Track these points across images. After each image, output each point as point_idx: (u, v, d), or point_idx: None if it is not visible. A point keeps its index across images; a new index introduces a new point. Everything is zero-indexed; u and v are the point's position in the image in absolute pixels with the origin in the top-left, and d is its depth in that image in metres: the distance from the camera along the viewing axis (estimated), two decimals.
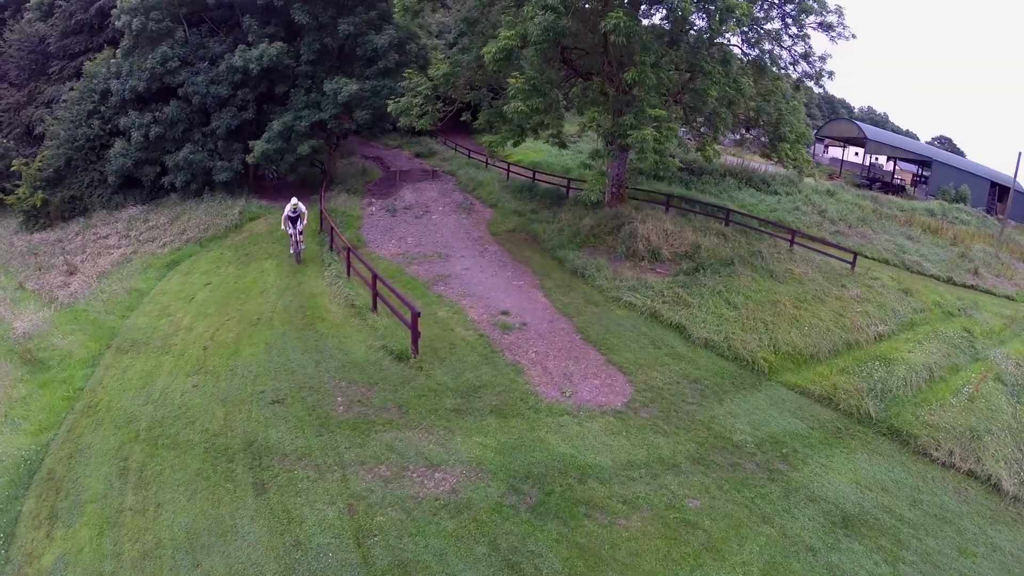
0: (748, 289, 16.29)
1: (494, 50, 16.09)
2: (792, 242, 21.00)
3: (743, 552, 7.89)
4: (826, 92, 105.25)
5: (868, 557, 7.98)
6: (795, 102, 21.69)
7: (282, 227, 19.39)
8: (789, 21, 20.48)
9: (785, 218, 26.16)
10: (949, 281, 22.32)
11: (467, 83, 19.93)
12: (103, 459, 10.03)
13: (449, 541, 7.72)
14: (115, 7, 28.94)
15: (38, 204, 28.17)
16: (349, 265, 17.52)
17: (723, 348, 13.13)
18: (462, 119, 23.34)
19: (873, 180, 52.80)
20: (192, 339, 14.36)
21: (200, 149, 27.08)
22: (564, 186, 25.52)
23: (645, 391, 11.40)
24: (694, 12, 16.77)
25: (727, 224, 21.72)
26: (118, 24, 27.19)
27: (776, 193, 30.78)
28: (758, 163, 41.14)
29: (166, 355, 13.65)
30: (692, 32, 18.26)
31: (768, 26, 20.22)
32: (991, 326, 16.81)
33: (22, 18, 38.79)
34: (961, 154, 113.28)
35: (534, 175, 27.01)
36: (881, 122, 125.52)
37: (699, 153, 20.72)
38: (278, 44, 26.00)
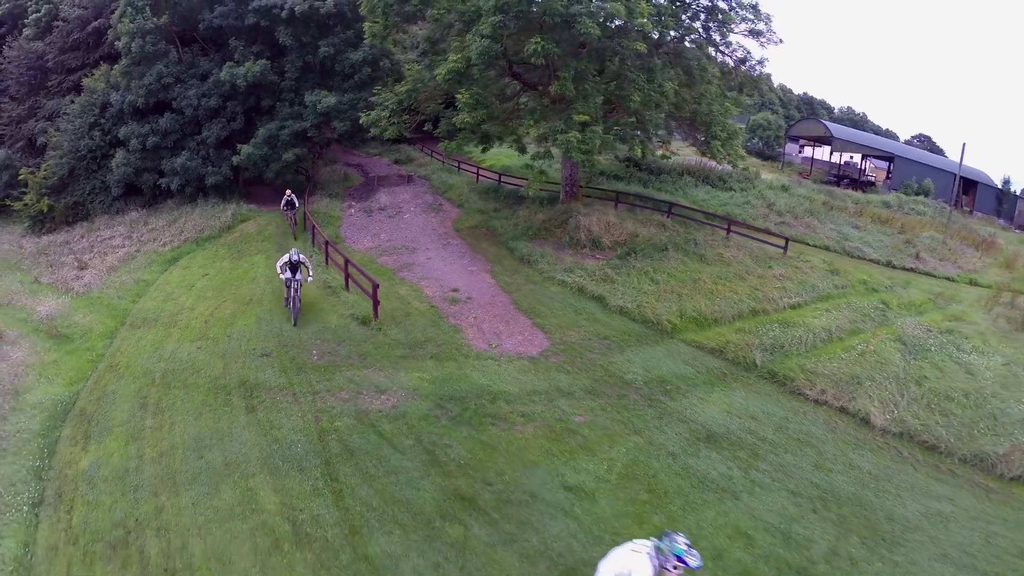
0: (674, 269, 19.38)
1: (444, 71, 19.35)
2: (728, 230, 24.05)
3: (612, 452, 10.91)
4: (806, 94, 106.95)
5: (723, 463, 10.78)
6: (728, 104, 24.86)
7: (278, 271, 16.75)
8: (712, 27, 23.74)
9: (734, 211, 29.15)
10: (888, 264, 24.64)
11: (428, 97, 23.12)
12: (126, 399, 13.12)
13: (385, 437, 10.86)
14: (110, 27, 32.32)
15: (44, 210, 31.29)
16: (327, 256, 20.69)
17: (635, 314, 16.21)
18: (436, 129, 26.60)
19: (841, 177, 55.74)
20: (194, 316, 17.50)
21: (194, 156, 30.26)
22: (521, 188, 28.75)
23: (559, 344, 14.52)
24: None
25: (669, 216, 24.85)
26: (118, 45, 30.44)
27: (731, 189, 33.80)
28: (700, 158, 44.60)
29: (173, 328, 16.80)
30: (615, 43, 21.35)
31: (694, 36, 23.53)
32: (913, 300, 19.34)
33: (19, 35, 42.05)
34: (941, 152, 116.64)
35: (500, 178, 30.24)
36: (860, 121, 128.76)
37: (633, 152, 23.88)
38: (262, 62, 29.23)
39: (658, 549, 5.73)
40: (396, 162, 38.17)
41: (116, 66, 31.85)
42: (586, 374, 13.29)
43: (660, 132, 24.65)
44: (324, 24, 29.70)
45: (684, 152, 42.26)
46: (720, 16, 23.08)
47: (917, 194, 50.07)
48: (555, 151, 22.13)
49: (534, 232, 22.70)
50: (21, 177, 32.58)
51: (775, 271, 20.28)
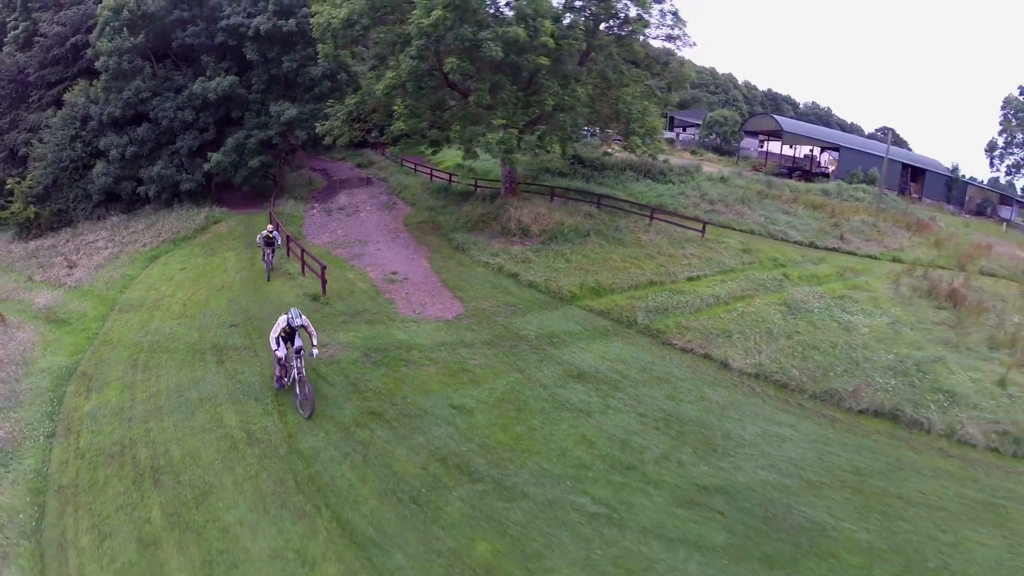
0: (590, 251, 23.02)
1: (382, 86, 23.11)
2: (651, 217, 27.52)
3: (494, 384, 14.48)
4: (770, 90, 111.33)
5: (586, 393, 14.32)
6: (648, 103, 28.51)
7: (272, 346, 16.44)
8: (625, 35, 27.40)
9: (667, 201, 32.45)
10: (811, 245, 27.45)
11: (374, 108, 26.72)
12: (119, 362, 16.68)
13: (322, 376, 14.50)
14: (88, 44, 35.84)
15: (31, 217, 34.66)
16: (289, 249, 24.26)
17: (542, 287, 19.88)
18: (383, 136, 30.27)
19: (794, 169, 59.54)
20: (174, 301, 21.09)
21: (169, 165, 33.78)
22: (473, 185, 32.43)
23: (472, 311, 18.21)
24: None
25: (598, 207, 28.45)
26: (97, 65, 33.91)
27: (670, 182, 37.39)
28: (674, 157, 48.33)
29: (156, 310, 20.38)
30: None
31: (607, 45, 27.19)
32: (819, 273, 22.13)
33: (1, 50, 45.37)
34: (905, 144, 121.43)
35: (450, 178, 33.89)
36: (824, 115, 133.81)
37: (553, 150, 27.66)
38: (231, 77, 32.86)
39: None
40: (358, 166, 41.80)
41: (96, 81, 35.34)
42: (488, 331, 16.94)
43: (583, 131, 28.15)
44: (287, 41, 33.27)
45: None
46: (631, 27, 26.82)
47: (862, 182, 54.06)
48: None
49: (472, 224, 26.37)
50: (8, 187, 35.96)
51: (687, 251, 23.84)
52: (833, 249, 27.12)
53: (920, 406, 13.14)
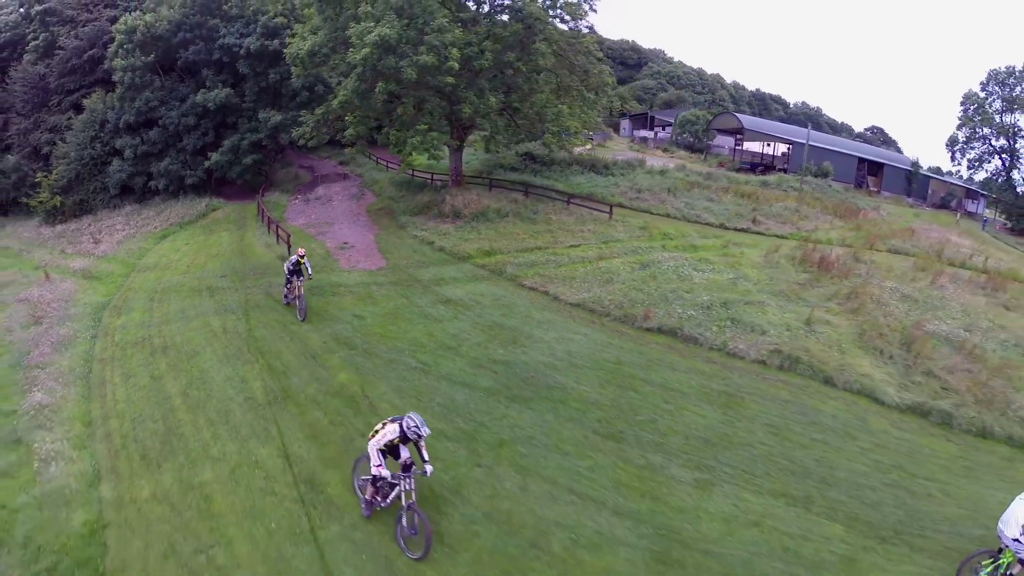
0: (501, 228, 30.70)
1: (337, 102, 31.38)
2: (568, 202, 35.00)
3: (386, 305, 21.92)
4: (759, 90, 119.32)
5: (445, 311, 21.16)
6: (562, 106, 35.52)
7: (285, 268, 21.70)
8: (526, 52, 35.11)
9: (598, 191, 39.50)
10: (720, 226, 33.61)
11: (337, 116, 34.76)
12: (140, 299, 24.87)
13: (276, 301, 22.55)
14: (103, 57, 44.60)
15: (57, 205, 43.33)
16: (269, 228, 32.49)
17: (449, 251, 27.56)
18: (376, 135, 38.08)
19: (756, 164, 66.31)
20: (180, 265, 29.33)
21: (175, 162, 42.31)
22: (429, 179, 40.50)
23: (391, 265, 26.15)
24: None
25: (526, 195, 36.22)
26: (114, 78, 42.59)
27: (612, 175, 44.72)
28: (630, 154, 56.03)
29: (166, 270, 28.66)
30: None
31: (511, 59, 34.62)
32: (699, 244, 28.55)
33: (21, 60, 54.28)
34: (893, 143, 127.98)
35: (412, 173, 42.00)
36: (814, 115, 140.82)
37: (476, 148, 35.50)
38: (227, 89, 41.37)
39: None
40: (341, 163, 50.19)
41: (112, 92, 44.08)
42: (396, 276, 24.81)
43: (501, 134, 35.58)
44: (273, 58, 41.64)
45: (615, 147, 54.05)
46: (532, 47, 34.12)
47: (815, 175, 61.09)
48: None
49: (418, 209, 34.39)
50: (37, 180, 44.69)
51: (586, 227, 31.14)
52: (743, 230, 33.48)
53: (703, 328, 19.47)
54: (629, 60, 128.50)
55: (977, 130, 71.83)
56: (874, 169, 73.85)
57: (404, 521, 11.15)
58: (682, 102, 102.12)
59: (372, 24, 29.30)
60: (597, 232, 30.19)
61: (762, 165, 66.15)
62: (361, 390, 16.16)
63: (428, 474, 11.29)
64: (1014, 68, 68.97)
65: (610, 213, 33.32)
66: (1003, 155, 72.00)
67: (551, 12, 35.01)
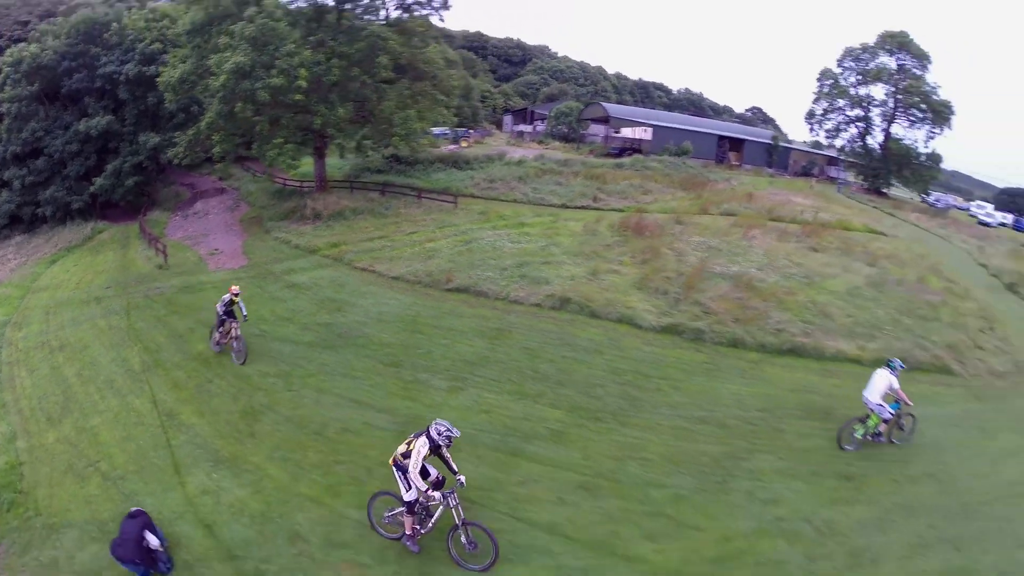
0: (353, 224, 36.66)
1: (205, 123, 36.96)
2: (419, 196, 41.20)
3: (245, 291, 28.30)
4: (641, 79, 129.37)
5: (290, 293, 26.62)
6: (410, 111, 41.30)
7: (217, 310, 21.67)
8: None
9: (455, 185, 44.89)
10: (563, 206, 39.10)
11: (207, 136, 40.23)
12: (37, 314, 30.08)
13: (155, 302, 28.25)
14: None
15: None
16: (150, 243, 37.85)
17: (304, 247, 33.29)
18: (248, 150, 43.34)
19: (624, 148, 73.18)
20: (70, 284, 34.46)
21: (60, 188, 46.95)
22: (299, 186, 46.34)
23: (252, 264, 31.99)
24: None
25: (383, 194, 42.31)
26: (1, 109, 46.93)
27: (471, 169, 50.81)
28: (504, 148, 62.48)
29: (58, 290, 33.78)
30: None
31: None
32: (528, 222, 34.13)
33: None
34: (772, 120, 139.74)
35: (284, 182, 47.64)
36: (697, 100, 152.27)
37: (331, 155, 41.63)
38: (108, 116, 46.29)
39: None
40: (220, 178, 55.25)
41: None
42: (255, 272, 30.52)
43: (356, 141, 41.57)
44: (151, 82, 46.38)
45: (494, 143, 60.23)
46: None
47: (675, 155, 68.47)
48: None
49: (284, 215, 40.17)
50: None
51: (430, 217, 37.33)
52: (582, 207, 39.16)
53: (494, 284, 25.31)
54: (514, 57, 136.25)
55: (834, 103, 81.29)
56: (736, 145, 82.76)
57: (463, 539, 11.69)
58: (564, 95, 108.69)
59: (229, 53, 35.05)
60: (438, 220, 36.43)
61: (629, 149, 72.08)
62: (214, 354, 22.15)
63: (464, 484, 11.70)
64: (868, 45, 78.55)
65: (455, 203, 39.47)
66: (858, 123, 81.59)
67: (392, 29, 41.21)
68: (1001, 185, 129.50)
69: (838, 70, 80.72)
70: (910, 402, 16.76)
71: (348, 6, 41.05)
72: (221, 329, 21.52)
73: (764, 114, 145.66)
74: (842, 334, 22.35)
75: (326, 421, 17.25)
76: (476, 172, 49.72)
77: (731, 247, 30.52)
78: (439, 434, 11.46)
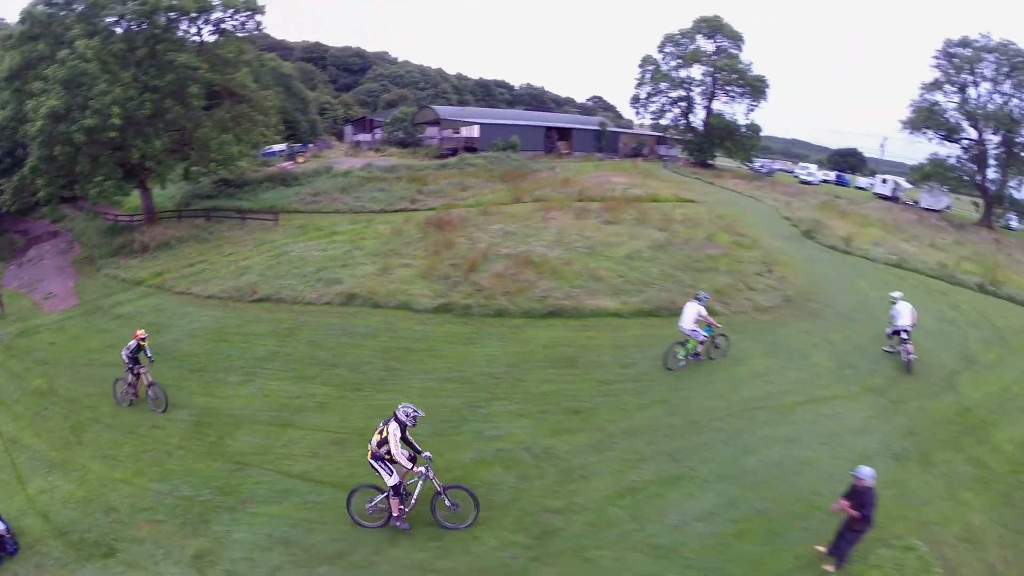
0: (179, 253, 39.84)
1: (27, 169, 39.55)
2: (243, 218, 44.99)
3: (74, 328, 31.54)
4: (482, 79, 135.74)
5: (115, 324, 28.64)
6: (226, 136, 45.41)
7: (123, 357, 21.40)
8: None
9: (281, 202, 48.83)
10: (381, 211, 43.18)
11: (32, 181, 42.38)
12: None
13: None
14: None
15: None
16: None
17: (131, 280, 36.01)
18: (72, 191, 45.44)
19: (457, 149, 77.79)
20: None
21: None
22: (129, 221, 49.10)
23: (83, 302, 35.28)
24: None
25: (208, 219, 45.87)
26: None
27: (299, 184, 54.77)
28: (344, 160, 65.94)
29: None
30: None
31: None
32: (340, 230, 38.37)
33: None
34: (612, 108, 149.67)
35: (116, 218, 50.21)
36: (539, 94, 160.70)
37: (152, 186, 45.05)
38: None
39: None
40: (54, 221, 56.97)
41: None
42: (85, 308, 33.71)
43: (173, 171, 45.00)
44: None
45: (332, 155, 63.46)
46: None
47: (503, 150, 73.63)
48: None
49: (114, 251, 43.07)
50: None
51: (252, 236, 40.79)
52: (401, 210, 43.31)
53: (291, 290, 28.52)
54: (353, 66, 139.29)
55: (657, 86, 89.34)
56: (564, 134, 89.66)
57: (447, 503, 13.28)
58: (404, 100, 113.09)
59: (44, 98, 37.75)
60: (258, 238, 40.47)
61: (463, 148, 77.23)
62: (49, 386, 25.71)
63: (432, 458, 13.25)
64: (686, 30, 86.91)
65: (276, 220, 43.56)
66: (681, 103, 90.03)
67: (201, 58, 44.48)
68: (835, 147, 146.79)
69: (659, 56, 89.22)
70: (718, 325, 21.15)
71: (160, 46, 43.73)
72: (131, 379, 21.10)
73: (604, 102, 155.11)
74: (607, 293, 26.06)
75: (139, 422, 20.77)
76: (303, 187, 53.71)
77: (527, 230, 34.35)
78: (406, 415, 12.83)
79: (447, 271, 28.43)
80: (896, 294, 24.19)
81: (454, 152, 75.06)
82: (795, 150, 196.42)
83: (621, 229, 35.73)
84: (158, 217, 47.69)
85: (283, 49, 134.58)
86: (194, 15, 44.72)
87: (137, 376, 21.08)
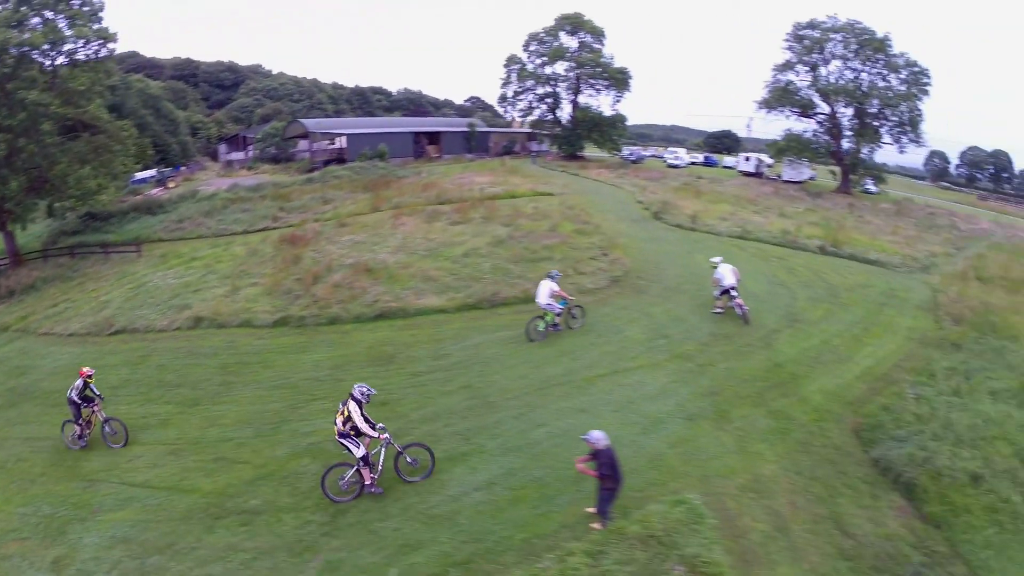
0: (45, 293, 39.70)
1: None
2: (106, 252, 45.32)
3: None
4: (358, 86, 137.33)
5: None
6: (83, 169, 45.75)
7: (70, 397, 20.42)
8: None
9: (146, 232, 49.12)
10: (244, 232, 44.15)
11: None
12: None
13: None
14: None
15: None
16: None
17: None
18: None
19: (328, 161, 79.33)
20: None
21: None
22: None
23: None
24: None
25: (72, 256, 46.90)
26: None
27: (165, 212, 55.39)
28: (216, 181, 66.83)
29: None
30: None
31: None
32: (197, 256, 38.79)
33: None
34: (491, 108, 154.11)
35: None
36: (416, 98, 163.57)
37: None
38: None
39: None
40: None
41: None
42: None
43: (32, 211, 45.98)
44: None
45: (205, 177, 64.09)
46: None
47: (372, 158, 76.04)
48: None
49: None
50: None
51: (115, 269, 40.29)
52: (263, 229, 44.20)
53: (144, 320, 28.77)
54: (226, 81, 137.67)
55: (524, 84, 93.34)
56: (434, 138, 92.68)
57: (408, 460, 15.56)
58: (279, 114, 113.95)
59: None
60: (121, 272, 40.99)
61: (334, 160, 79.37)
62: None
63: (384, 427, 15.39)
64: (549, 27, 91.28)
65: (139, 251, 44.66)
66: (547, 99, 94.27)
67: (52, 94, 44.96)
68: (712, 130, 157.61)
69: (524, 54, 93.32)
70: (571, 297, 23.81)
71: (10, 84, 43.87)
72: (81, 420, 20.30)
73: (482, 101, 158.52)
74: (436, 292, 28.02)
75: (6, 458, 20.83)
76: (168, 215, 54.39)
77: (376, 238, 35.92)
78: (361, 394, 14.87)
79: (291, 286, 29.81)
80: (716, 259, 26.62)
81: (327, 164, 76.76)
82: (675, 135, 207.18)
83: (467, 228, 37.93)
84: (23, 259, 48.12)
85: (153, 68, 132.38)
86: (46, 47, 44.97)
87: (89, 417, 20.57)
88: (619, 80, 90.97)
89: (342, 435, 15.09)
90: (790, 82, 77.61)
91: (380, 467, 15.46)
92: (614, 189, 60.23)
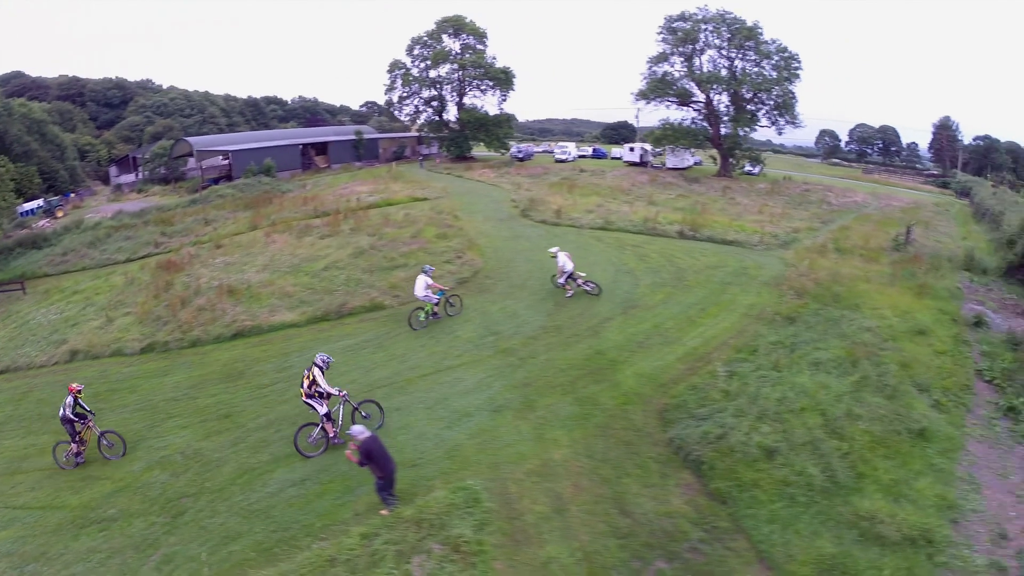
0: None
1: None
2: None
3: None
4: (251, 97, 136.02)
5: None
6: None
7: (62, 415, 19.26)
8: None
9: (30, 268, 44.89)
10: (127, 260, 42.37)
11: None
12: None
13: None
14: None
15: None
16: None
17: None
18: None
19: (217, 179, 77.90)
20: None
21: None
22: None
23: None
24: None
25: None
26: None
27: (51, 245, 50.42)
28: (105, 207, 66.91)
29: None
30: None
31: None
32: (79, 288, 36.13)
33: None
34: (387, 111, 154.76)
35: None
36: (312, 106, 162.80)
37: None
38: None
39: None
40: None
41: None
42: None
43: None
44: None
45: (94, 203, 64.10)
46: None
47: (259, 174, 74.82)
48: None
49: None
50: None
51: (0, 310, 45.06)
52: (145, 256, 43.19)
53: (31, 357, 26.68)
54: (114, 99, 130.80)
55: (409, 88, 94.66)
56: (321, 148, 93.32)
57: (362, 414, 17.52)
58: (170, 131, 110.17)
59: None
60: (6, 311, 38.44)
61: (223, 177, 78.52)
62: None
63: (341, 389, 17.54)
64: (431, 31, 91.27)
65: (23, 289, 43.96)
66: (433, 103, 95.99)
67: None
68: (610, 122, 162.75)
69: (408, 59, 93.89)
70: (446, 288, 25.36)
71: None
72: (77, 438, 19.45)
73: (379, 107, 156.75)
74: (289, 307, 27.87)
75: None
76: (54, 248, 52.35)
77: (246, 258, 35.47)
78: (323, 361, 17.01)
79: (160, 313, 29.51)
80: (553, 249, 27.95)
81: (217, 182, 75.13)
82: (576, 128, 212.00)
83: (334, 241, 37.71)
84: None
85: (38, 88, 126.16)
86: None
87: (84, 434, 19.71)
88: (503, 80, 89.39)
89: (308, 396, 17.17)
90: (667, 73, 78.05)
91: (341, 422, 17.42)
92: (492, 188, 60.27)
